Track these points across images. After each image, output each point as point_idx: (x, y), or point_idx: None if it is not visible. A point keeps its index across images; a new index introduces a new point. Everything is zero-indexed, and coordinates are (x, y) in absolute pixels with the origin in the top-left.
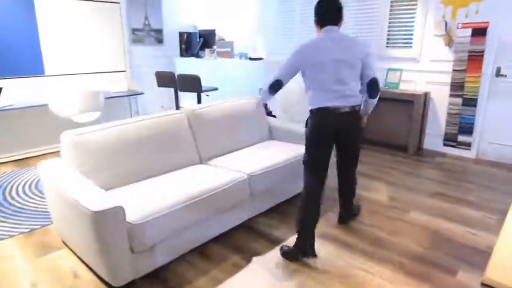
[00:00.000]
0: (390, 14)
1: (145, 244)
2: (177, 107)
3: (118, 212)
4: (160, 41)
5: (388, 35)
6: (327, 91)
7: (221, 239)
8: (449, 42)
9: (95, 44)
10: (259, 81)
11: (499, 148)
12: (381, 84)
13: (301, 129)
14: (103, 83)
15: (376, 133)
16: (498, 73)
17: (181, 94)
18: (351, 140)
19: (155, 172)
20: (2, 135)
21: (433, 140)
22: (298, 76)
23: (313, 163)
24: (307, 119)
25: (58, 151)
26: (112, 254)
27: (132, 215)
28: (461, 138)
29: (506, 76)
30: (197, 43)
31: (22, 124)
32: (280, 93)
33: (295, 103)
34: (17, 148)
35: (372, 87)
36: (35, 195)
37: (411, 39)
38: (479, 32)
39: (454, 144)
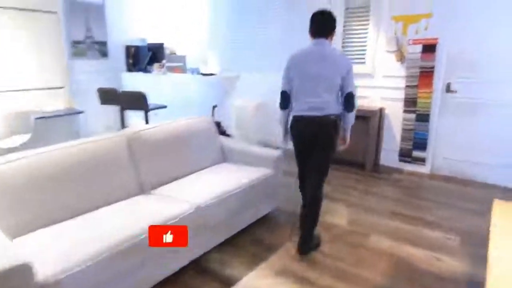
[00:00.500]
0: (343, 30)
1: None
2: (123, 127)
3: (23, 271)
4: (104, 54)
5: (343, 50)
6: (305, 102)
7: (165, 284)
8: (401, 58)
9: (28, 58)
10: (211, 98)
11: (453, 163)
12: None
13: (257, 149)
14: (37, 101)
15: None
16: (448, 89)
17: (130, 112)
18: (319, 147)
19: (83, 208)
20: None
21: (389, 156)
22: (249, 90)
23: (299, 170)
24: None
25: None
26: None
27: (45, 269)
28: (415, 153)
29: (456, 92)
30: (145, 57)
31: None
32: (233, 108)
33: (250, 119)
34: None
35: (348, 100)
36: None
37: (365, 54)
38: (429, 48)
39: (409, 159)
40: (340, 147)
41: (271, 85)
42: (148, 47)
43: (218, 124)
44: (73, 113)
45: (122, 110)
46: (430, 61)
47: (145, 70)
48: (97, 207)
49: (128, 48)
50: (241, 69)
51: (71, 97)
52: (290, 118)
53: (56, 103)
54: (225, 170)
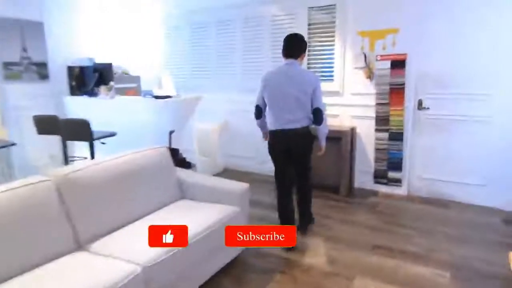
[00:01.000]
0: (308, 46)
1: None
2: (66, 160)
3: None
4: (44, 76)
5: (309, 68)
6: (277, 117)
7: None
8: (370, 75)
9: None
10: (168, 123)
11: (430, 183)
12: None
13: (219, 182)
14: None
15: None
16: (420, 106)
17: (76, 142)
18: (297, 153)
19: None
20: None
21: (363, 178)
22: (211, 111)
23: (276, 176)
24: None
25: None
26: None
27: None
28: (391, 174)
29: (428, 108)
30: (91, 78)
31: None
32: (194, 133)
33: (214, 142)
34: None
35: (315, 115)
36: None
37: (332, 71)
38: (398, 64)
39: (384, 181)
40: (318, 153)
41: (233, 105)
42: (95, 67)
43: (176, 152)
44: (3, 146)
45: (64, 140)
46: (400, 78)
47: (91, 94)
48: (16, 274)
49: (70, 69)
50: (202, 90)
51: (2, 127)
52: (269, 131)
53: None
54: (182, 211)
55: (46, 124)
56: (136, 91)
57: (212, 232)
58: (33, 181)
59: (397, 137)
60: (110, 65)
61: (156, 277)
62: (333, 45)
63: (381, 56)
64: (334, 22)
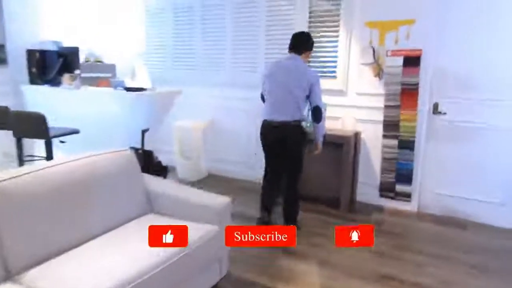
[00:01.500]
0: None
1: None
2: (21, 160)
3: None
4: (2, 61)
5: (309, 62)
6: (271, 107)
7: None
8: (379, 72)
9: None
10: (140, 121)
11: (444, 199)
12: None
13: (195, 195)
14: None
15: (300, 185)
16: (436, 110)
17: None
18: (286, 147)
19: None
20: None
21: (367, 191)
22: (195, 108)
23: (265, 169)
24: None
25: None
26: None
27: None
28: (399, 187)
29: (445, 113)
30: (55, 65)
31: None
32: (175, 132)
33: (197, 144)
34: None
35: (314, 113)
36: None
37: (335, 67)
38: (412, 61)
39: (391, 195)
40: (315, 152)
41: (220, 101)
42: (59, 52)
43: (149, 155)
44: None
45: (17, 137)
46: (413, 77)
47: (53, 83)
48: None
49: (30, 53)
50: (184, 83)
51: None
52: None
53: None
54: (145, 230)
55: None
56: (110, 82)
57: (182, 259)
58: None
59: (407, 145)
60: (76, 49)
61: None
62: (337, 37)
63: (392, 51)
64: (338, 10)
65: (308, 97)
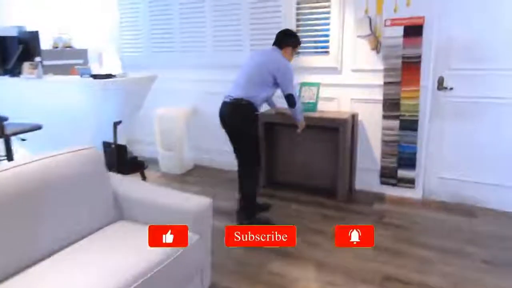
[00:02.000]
0: (297, 9)
1: None
2: None
3: None
4: None
5: (290, 60)
6: (232, 85)
7: None
8: (376, 45)
9: None
10: (111, 113)
11: (451, 184)
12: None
13: (170, 198)
14: None
15: (293, 174)
16: (441, 86)
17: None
18: (231, 128)
19: None
20: None
21: (367, 178)
22: (177, 97)
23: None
24: None
25: None
26: None
27: None
28: (401, 173)
29: (452, 88)
30: (14, 53)
31: None
32: (155, 122)
33: (180, 134)
34: None
35: (288, 100)
36: None
37: (327, 41)
38: (413, 30)
39: (394, 182)
40: (297, 131)
41: (204, 86)
42: (19, 38)
43: (123, 150)
44: None
45: None
46: (415, 48)
47: (13, 73)
48: None
49: None
50: (163, 67)
51: None
52: None
53: None
54: (111, 242)
55: None
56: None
57: (154, 276)
58: None
59: (410, 125)
60: (36, 33)
61: None
62: (328, 7)
63: (392, 20)
64: None
65: (277, 84)
